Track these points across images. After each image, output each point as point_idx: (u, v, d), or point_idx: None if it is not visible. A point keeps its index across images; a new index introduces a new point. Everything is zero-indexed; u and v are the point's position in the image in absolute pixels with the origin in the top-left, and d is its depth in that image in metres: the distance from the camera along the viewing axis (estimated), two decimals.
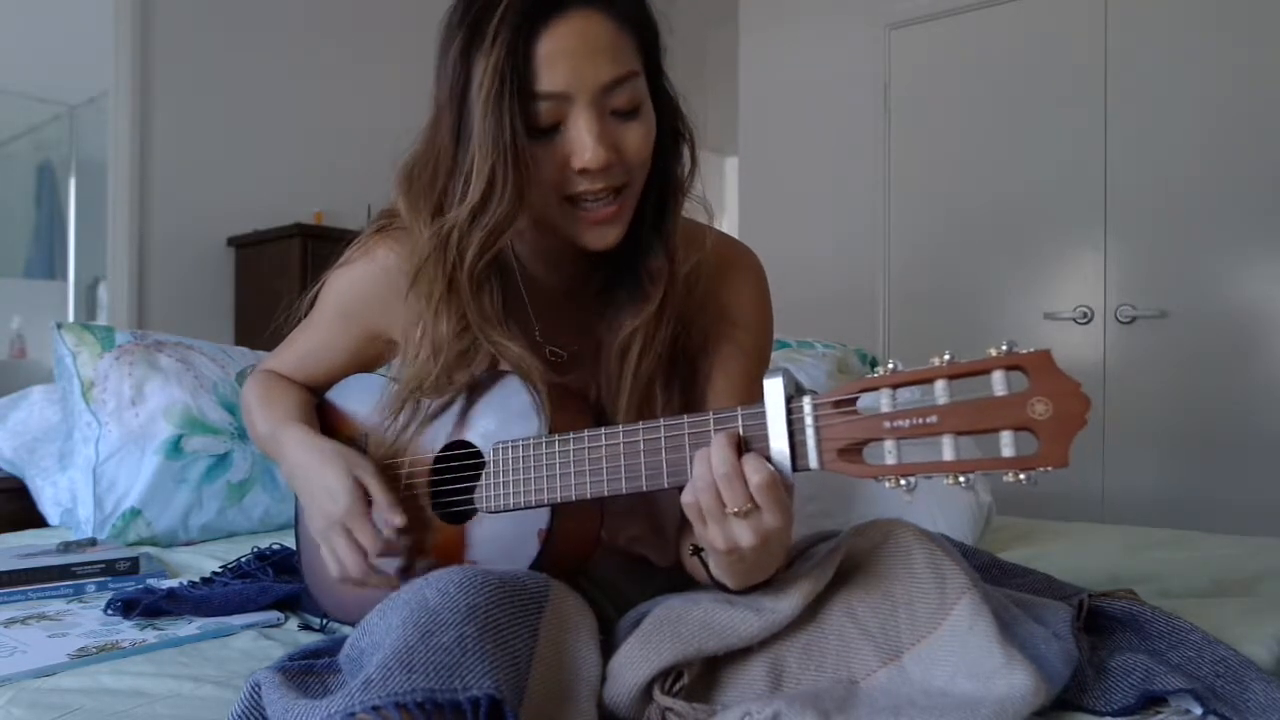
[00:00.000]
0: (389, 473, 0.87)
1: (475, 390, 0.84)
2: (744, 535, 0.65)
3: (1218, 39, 2.73)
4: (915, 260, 3.30)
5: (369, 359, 0.98)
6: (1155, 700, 0.73)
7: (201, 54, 3.13)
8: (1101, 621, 0.87)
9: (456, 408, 0.85)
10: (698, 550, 0.76)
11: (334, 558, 0.82)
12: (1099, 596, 0.91)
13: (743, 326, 0.90)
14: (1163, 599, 1.05)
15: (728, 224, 4.19)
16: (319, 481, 0.84)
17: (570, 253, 0.85)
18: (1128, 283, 2.89)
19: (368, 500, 0.82)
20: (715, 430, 0.67)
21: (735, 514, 0.64)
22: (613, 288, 0.86)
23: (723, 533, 0.65)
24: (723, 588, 0.75)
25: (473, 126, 0.74)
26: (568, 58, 0.73)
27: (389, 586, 0.81)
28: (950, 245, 3.23)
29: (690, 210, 0.87)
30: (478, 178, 0.74)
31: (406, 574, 0.83)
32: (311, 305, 0.98)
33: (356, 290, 0.93)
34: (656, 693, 0.69)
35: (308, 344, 0.99)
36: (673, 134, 0.84)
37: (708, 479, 0.64)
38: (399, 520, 0.81)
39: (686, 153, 0.85)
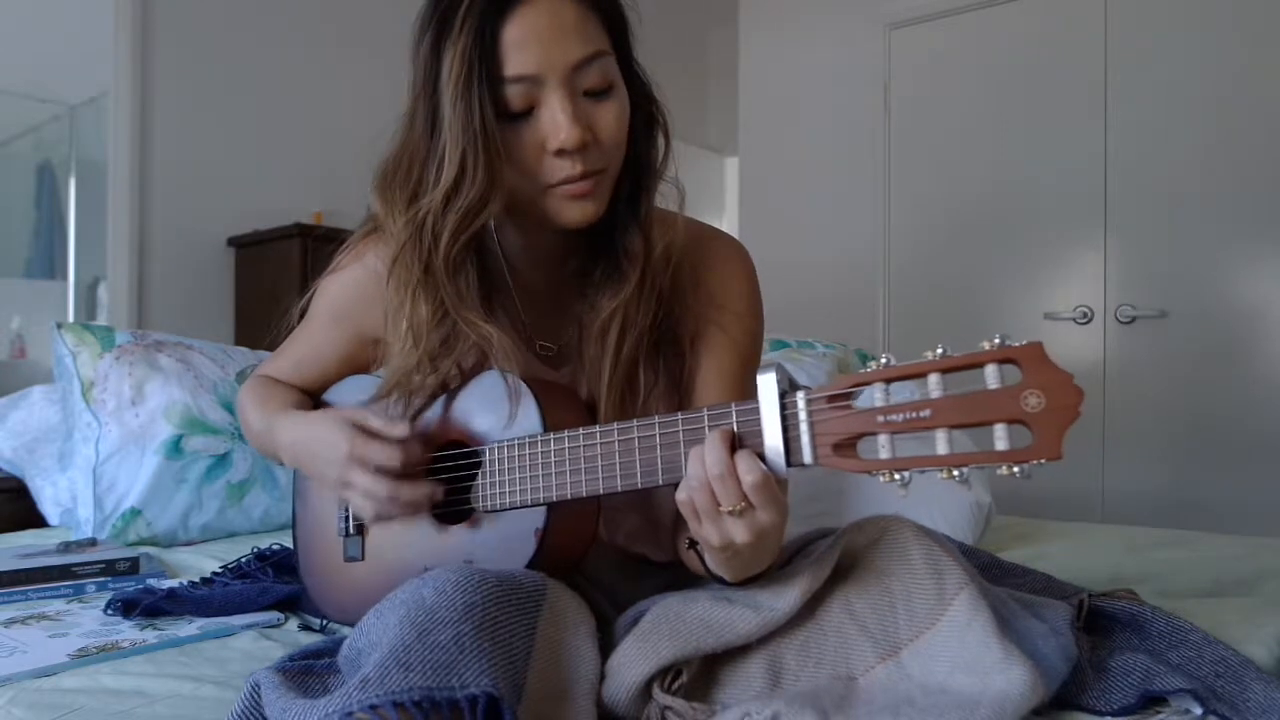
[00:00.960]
0: None
1: (468, 391, 0.84)
2: (739, 532, 0.65)
3: (1218, 39, 2.73)
4: (915, 260, 3.30)
5: (362, 363, 0.98)
6: (1155, 700, 0.73)
7: (201, 54, 3.13)
8: (1101, 621, 0.87)
9: (451, 408, 0.85)
10: (694, 544, 0.76)
11: (360, 496, 0.80)
12: (1099, 596, 0.91)
13: (731, 313, 0.90)
14: (1163, 599, 1.05)
15: (728, 224, 4.19)
16: (315, 441, 0.83)
17: (556, 247, 0.86)
18: (1128, 283, 2.89)
19: (368, 436, 0.81)
20: (710, 427, 0.67)
21: (730, 513, 0.64)
22: (590, 269, 0.86)
23: (717, 530, 0.65)
24: (720, 581, 0.75)
25: (444, 115, 0.75)
26: (535, 40, 0.74)
27: (427, 502, 0.80)
28: (950, 245, 3.23)
29: (663, 192, 0.87)
30: (449, 163, 0.75)
31: (433, 497, 0.82)
32: (305, 312, 0.98)
33: (347, 294, 0.93)
34: (655, 691, 0.69)
35: (301, 349, 1.00)
36: (646, 118, 0.84)
37: (701, 477, 0.64)
38: (404, 429, 0.79)
39: (660, 137, 0.85)
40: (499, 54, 0.74)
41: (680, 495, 0.66)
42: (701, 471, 0.65)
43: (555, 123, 0.75)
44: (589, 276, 0.86)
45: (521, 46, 0.74)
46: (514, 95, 0.75)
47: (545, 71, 0.74)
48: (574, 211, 0.79)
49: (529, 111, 0.76)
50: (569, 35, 0.75)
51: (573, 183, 0.77)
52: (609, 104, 0.78)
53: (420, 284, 0.80)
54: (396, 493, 0.78)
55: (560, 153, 0.76)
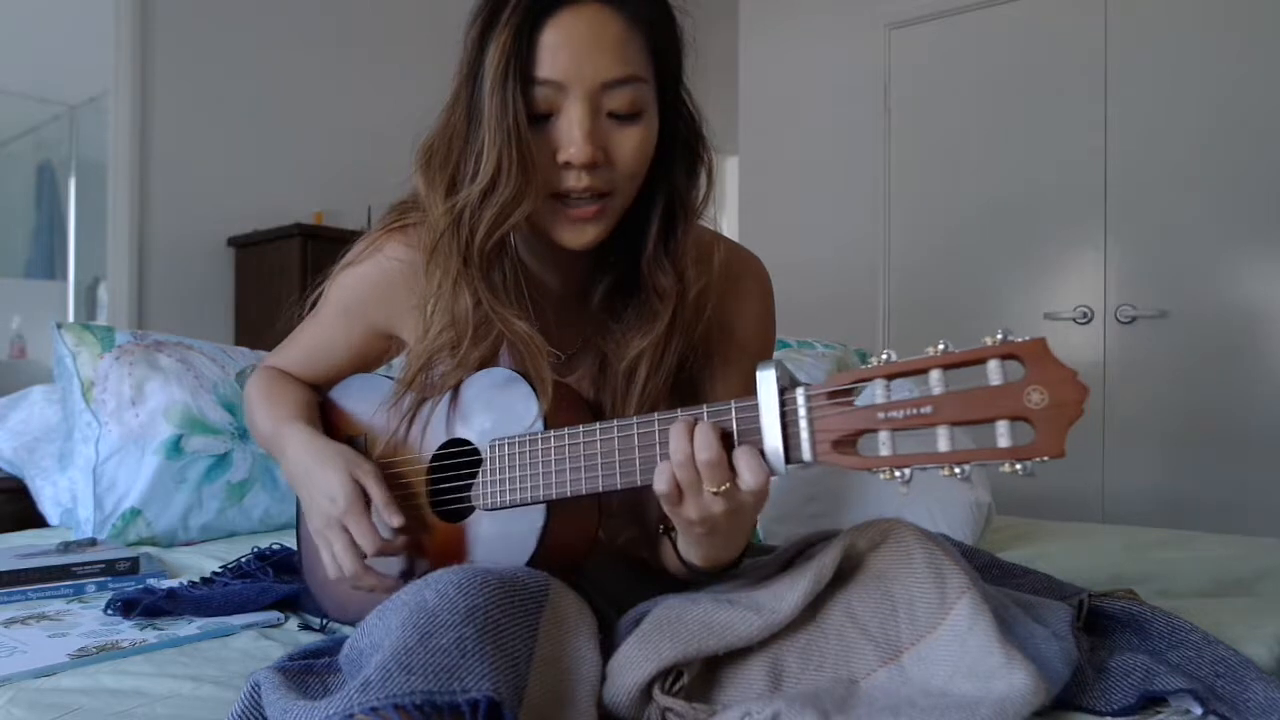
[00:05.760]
0: (387, 471, 0.87)
1: (470, 388, 0.84)
2: (718, 505, 0.66)
3: (1218, 38, 2.73)
4: (915, 260, 3.30)
5: (372, 357, 0.98)
6: (1155, 700, 0.73)
7: (201, 54, 3.13)
8: (1101, 621, 0.87)
9: (454, 405, 0.85)
10: (668, 530, 0.77)
11: (331, 557, 0.83)
12: (1099, 596, 0.91)
13: (749, 352, 0.90)
14: (1163, 599, 1.05)
15: (727, 224, 4.19)
16: (319, 481, 0.84)
17: (574, 260, 0.85)
18: (1128, 283, 2.89)
19: (367, 500, 0.82)
20: (710, 423, 0.67)
21: (714, 492, 0.65)
22: (616, 300, 0.86)
23: (697, 505, 0.66)
24: (691, 568, 0.76)
25: (483, 107, 0.75)
26: (569, 48, 0.74)
27: (385, 589, 0.81)
28: (950, 245, 3.23)
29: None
30: (487, 159, 0.75)
31: (405, 577, 0.83)
32: (315, 304, 0.98)
33: (361, 286, 0.93)
34: (656, 693, 0.69)
35: (312, 341, 1.00)
36: (689, 154, 0.84)
37: (687, 453, 0.65)
38: (397, 520, 0.81)
39: (703, 175, 0.84)
40: (535, 54, 0.74)
41: (660, 485, 0.66)
42: (688, 448, 0.65)
43: (569, 135, 0.75)
44: (613, 302, 0.86)
45: (555, 51, 0.74)
46: (540, 97, 0.75)
47: (571, 81, 0.74)
48: (573, 234, 0.79)
49: (550, 116, 0.76)
50: (606, 52, 0.74)
51: (577, 198, 0.77)
52: (632, 130, 0.77)
53: (461, 274, 0.80)
54: (363, 576, 0.82)
55: (568, 165, 0.76)
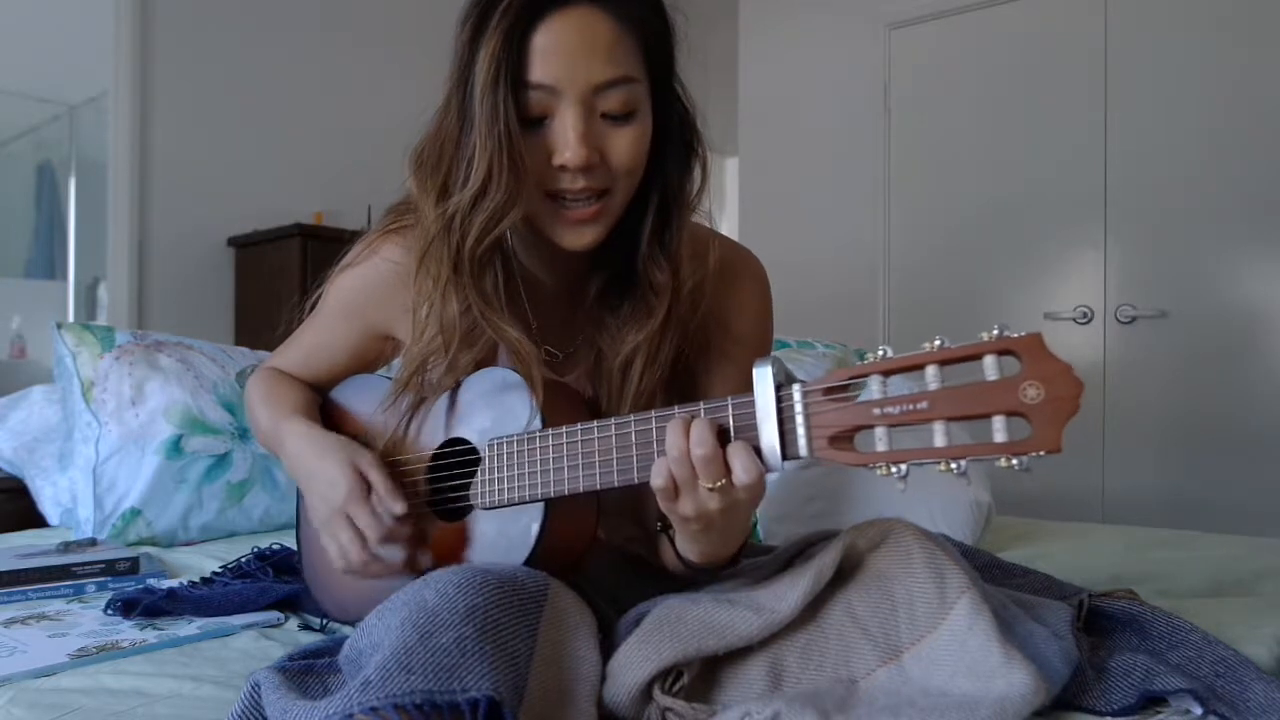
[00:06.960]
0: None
1: (469, 387, 0.84)
2: (713, 500, 0.66)
3: (1218, 39, 2.74)
4: (915, 260, 3.30)
5: (371, 357, 0.99)
6: (1155, 700, 0.73)
7: (201, 54, 3.13)
8: (1101, 621, 0.87)
9: (453, 405, 0.85)
10: (665, 527, 0.77)
11: (336, 546, 0.82)
12: (1099, 596, 0.91)
13: (745, 345, 0.90)
14: (1163, 599, 1.05)
15: (727, 224, 4.19)
16: (319, 472, 0.84)
17: (571, 258, 0.86)
18: (1128, 283, 2.89)
19: (368, 489, 0.82)
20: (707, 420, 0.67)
21: (709, 489, 0.65)
22: (612, 295, 0.86)
23: (694, 501, 0.67)
24: (691, 566, 0.76)
25: (473, 112, 0.75)
26: (561, 52, 0.74)
27: (391, 576, 0.81)
28: (950, 245, 3.23)
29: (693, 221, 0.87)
30: (478, 166, 0.75)
31: (408, 568, 0.83)
32: (315, 305, 0.98)
33: (360, 287, 0.94)
34: (656, 692, 0.69)
35: (311, 342, 1.00)
36: (683, 148, 0.84)
37: (683, 449, 0.65)
38: (399, 507, 0.81)
39: (697, 169, 0.85)
40: (526, 59, 0.74)
41: (656, 480, 0.67)
42: (684, 444, 0.65)
43: (564, 139, 0.75)
44: (608, 298, 0.86)
45: (546, 56, 0.74)
46: (533, 101, 0.75)
47: (564, 85, 0.74)
48: (572, 236, 0.80)
49: (544, 119, 0.76)
50: (597, 55, 0.74)
51: (574, 199, 0.78)
52: (626, 130, 0.77)
53: (450, 281, 0.80)
54: (368, 564, 0.82)
55: (563, 168, 0.76)
